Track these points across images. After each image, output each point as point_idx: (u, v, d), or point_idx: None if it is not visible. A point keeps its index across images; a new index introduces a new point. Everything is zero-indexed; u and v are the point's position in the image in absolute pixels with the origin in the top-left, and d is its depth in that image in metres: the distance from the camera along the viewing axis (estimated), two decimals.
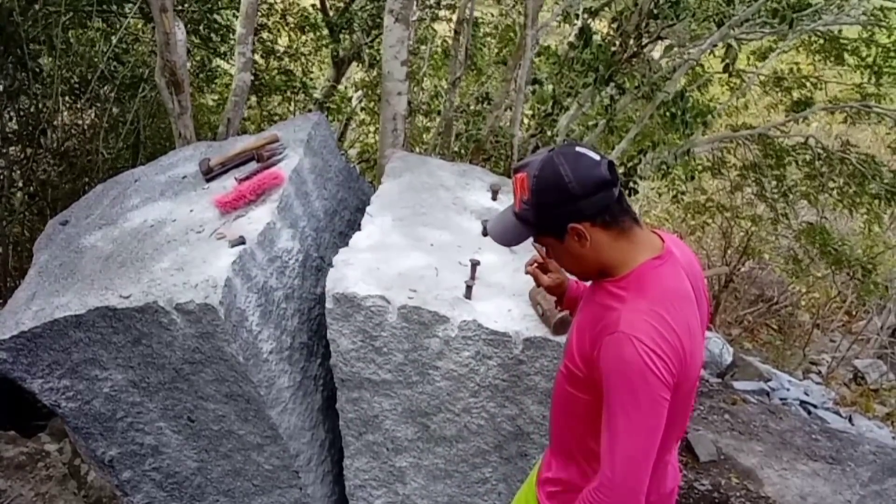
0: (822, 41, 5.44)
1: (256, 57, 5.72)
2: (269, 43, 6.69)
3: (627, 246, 1.53)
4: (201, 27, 5.51)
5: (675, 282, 1.52)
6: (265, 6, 6.30)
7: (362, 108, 7.83)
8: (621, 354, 1.41)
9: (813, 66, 5.86)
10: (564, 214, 1.50)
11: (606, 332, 1.46)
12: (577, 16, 4.45)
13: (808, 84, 5.74)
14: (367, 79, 7.16)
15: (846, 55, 5.35)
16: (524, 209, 1.55)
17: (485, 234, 2.74)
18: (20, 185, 4.56)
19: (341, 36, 6.56)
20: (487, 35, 6.43)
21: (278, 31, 6.85)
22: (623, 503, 1.43)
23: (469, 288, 2.40)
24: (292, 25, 6.87)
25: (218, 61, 6.31)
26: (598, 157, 1.48)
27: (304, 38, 7.09)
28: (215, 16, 5.68)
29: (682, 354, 1.45)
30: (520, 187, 1.54)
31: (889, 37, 5.30)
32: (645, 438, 1.42)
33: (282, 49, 6.88)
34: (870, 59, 5.16)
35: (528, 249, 2.68)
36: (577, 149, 1.50)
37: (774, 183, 5.73)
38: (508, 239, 1.63)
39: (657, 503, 1.65)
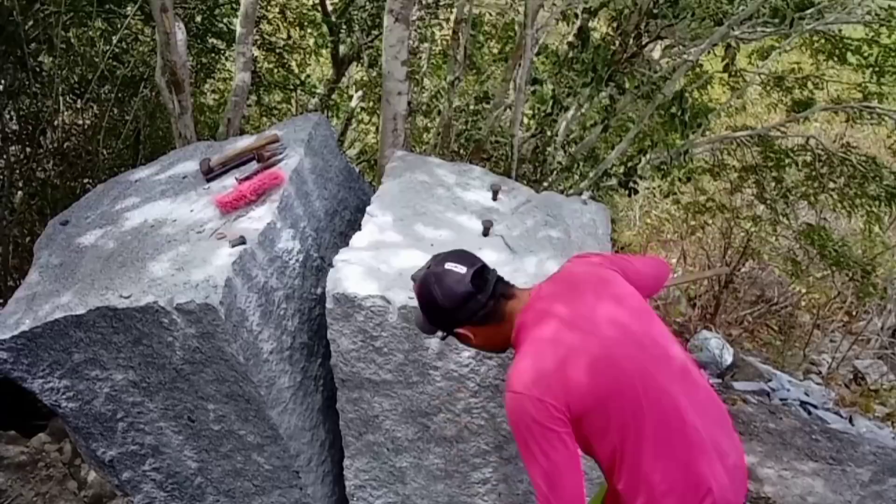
0: (823, 40, 5.43)
1: (255, 50, 5.71)
2: (266, 36, 6.68)
3: (508, 323, 1.77)
4: (200, 21, 5.51)
5: (542, 322, 1.71)
6: (264, 0, 6.29)
7: (362, 108, 7.82)
8: (507, 411, 1.65)
9: (815, 66, 5.84)
10: (446, 323, 1.81)
11: None
12: (576, 15, 4.44)
13: (809, 84, 5.73)
14: (366, 78, 7.15)
15: (849, 55, 5.33)
16: (420, 315, 1.85)
17: (485, 234, 2.74)
18: (20, 184, 4.55)
19: (341, 35, 6.56)
20: (487, 36, 6.43)
21: (277, 25, 6.84)
22: None
23: None
24: (291, 20, 6.86)
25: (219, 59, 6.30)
26: (463, 270, 1.74)
27: (301, 33, 7.08)
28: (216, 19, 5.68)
29: (568, 383, 1.61)
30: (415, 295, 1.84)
31: (890, 36, 5.28)
32: (555, 470, 1.59)
33: (280, 43, 6.86)
34: (871, 59, 5.15)
35: (528, 250, 2.69)
36: (447, 265, 1.76)
37: (773, 184, 5.72)
38: (426, 332, 1.91)
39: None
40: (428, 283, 1.77)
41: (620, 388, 1.65)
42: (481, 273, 1.77)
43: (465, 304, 1.74)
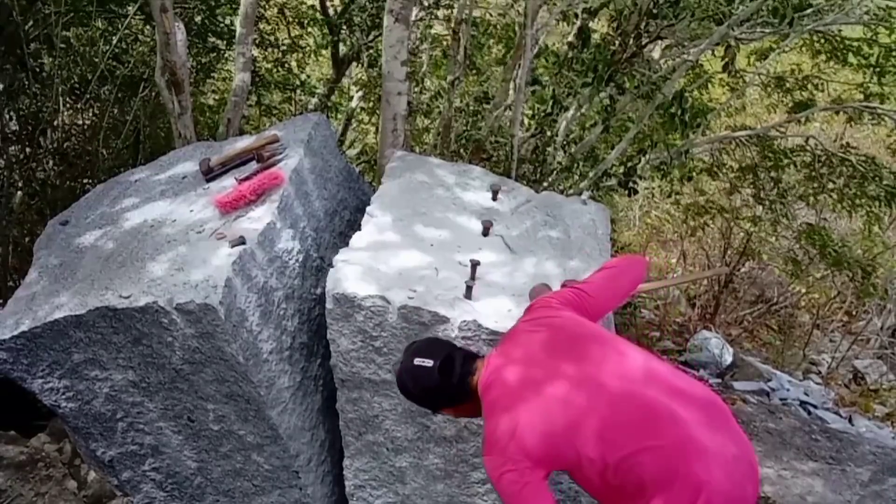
0: (823, 41, 5.43)
1: (254, 50, 5.70)
2: (266, 35, 6.68)
3: (476, 396, 1.92)
4: (200, 21, 5.50)
5: (495, 391, 1.86)
6: (264, 0, 6.28)
7: (362, 108, 7.82)
8: (488, 473, 1.82)
9: (817, 66, 5.84)
10: (430, 407, 2.04)
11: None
12: (576, 15, 4.44)
13: (808, 85, 5.73)
14: (366, 78, 7.14)
15: (849, 55, 5.33)
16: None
17: (485, 234, 2.74)
18: (20, 185, 4.55)
19: (341, 35, 6.55)
20: (490, 37, 6.42)
21: (276, 25, 6.83)
22: None
23: (469, 288, 2.40)
24: (290, 20, 6.85)
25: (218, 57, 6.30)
26: (430, 364, 1.92)
27: (301, 32, 7.07)
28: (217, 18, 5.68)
29: (524, 434, 1.74)
30: None
31: (890, 36, 5.28)
32: None
33: (280, 43, 6.85)
34: (872, 59, 5.14)
35: (528, 250, 2.69)
36: (415, 361, 1.94)
37: (771, 185, 5.72)
38: (425, 410, 2.16)
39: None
40: (402, 380, 1.99)
41: (582, 416, 1.73)
42: (448, 360, 1.94)
43: (436, 394, 1.95)
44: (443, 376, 1.91)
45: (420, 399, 2.02)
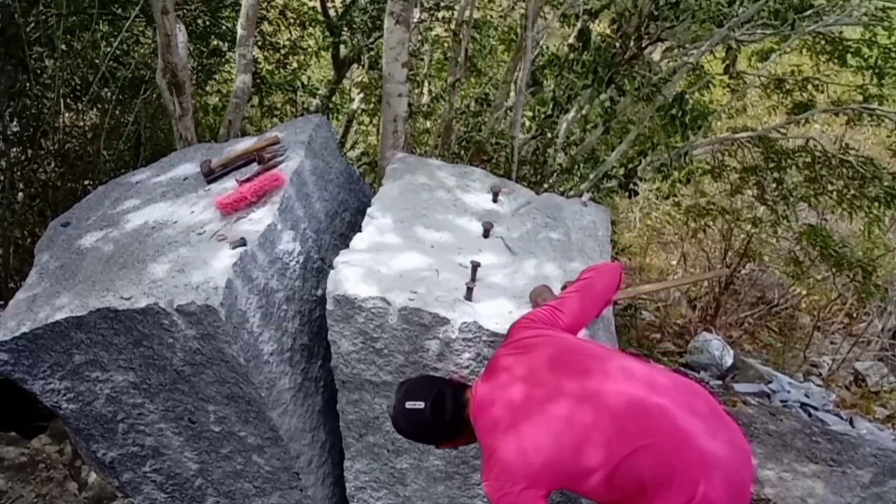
0: (823, 42, 5.43)
1: (256, 51, 5.70)
2: (268, 37, 6.68)
3: (470, 425, 1.94)
4: (202, 23, 5.51)
5: (497, 405, 1.87)
6: (265, 1, 6.29)
7: (363, 110, 7.82)
8: (487, 494, 1.84)
9: (816, 67, 5.84)
10: (429, 443, 2.08)
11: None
12: (576, 17, 4.44)
13: (808, 87, 5.73)
14: (366, 80, 7.15)
15: (848, 56, 5.34)
16: None
17: (486, 235, 2.75)
18: (21, 186, 4.55)
19: (342, 37, 6.56)
20: (488, 37, 6.43)
21: (278, 26, 6.83)
22: None
23: (469, 289, 2.40)
24: (291, 21, 6.86)
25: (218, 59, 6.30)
26: (422, 406, 1.93)
27: (302, 33, 7.08)
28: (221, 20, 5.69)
29: (526, 457, 1.75)
30: None
31: (890, 37, 5.29)
32: None
33: (282, 44, 6.86)
34: (871, 61, 5.15)
35: (528, 252, 2.69)
36: (407, 405, 1.94)
37: (774, 185, 5.72)
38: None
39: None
40: (397, 423, 2.00)
41: (585, 433, 1.74)
42: (439, 398, 1.95)
43: (433, 433, 1.99)
44: (436, 415, 1.93)
45: (418, 439, 2.07)
